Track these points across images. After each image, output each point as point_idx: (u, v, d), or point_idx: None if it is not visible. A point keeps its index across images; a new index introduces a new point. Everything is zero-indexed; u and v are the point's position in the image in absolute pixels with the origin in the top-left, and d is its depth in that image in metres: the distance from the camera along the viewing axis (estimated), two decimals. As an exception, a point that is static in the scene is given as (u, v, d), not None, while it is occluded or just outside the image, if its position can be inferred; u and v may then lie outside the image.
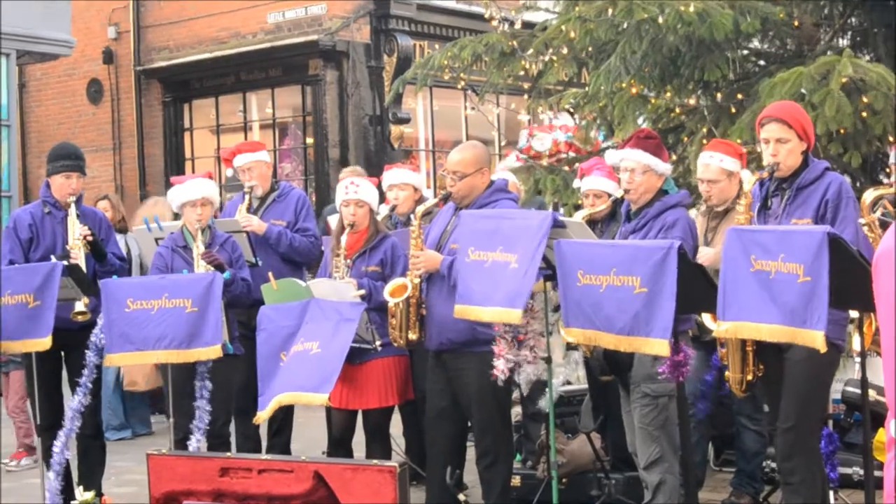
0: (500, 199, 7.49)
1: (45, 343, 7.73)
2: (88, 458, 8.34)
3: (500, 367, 7.06)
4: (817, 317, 5.49)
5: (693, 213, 7.99)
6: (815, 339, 5.51)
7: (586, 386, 8.73)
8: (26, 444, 10.46)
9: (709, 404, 8.06)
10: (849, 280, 5.49)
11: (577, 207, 9.42)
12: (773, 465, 8.25)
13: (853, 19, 10.97)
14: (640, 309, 5.90)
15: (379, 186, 9.22)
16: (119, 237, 10.00)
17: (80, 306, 7.97)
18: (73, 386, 8.22)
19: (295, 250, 8.96)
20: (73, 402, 7.92)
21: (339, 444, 7.97)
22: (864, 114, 8.89)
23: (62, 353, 8.32)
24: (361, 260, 7.89)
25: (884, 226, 6.68)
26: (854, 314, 6.43)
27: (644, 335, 5.92)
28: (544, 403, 7.80)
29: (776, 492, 7.80)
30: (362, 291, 7.62)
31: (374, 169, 17.51)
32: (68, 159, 8.40)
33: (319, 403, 7.33)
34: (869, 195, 6.20)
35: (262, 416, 7.44)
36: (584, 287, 6.14)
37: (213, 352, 7.48)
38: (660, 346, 5.89)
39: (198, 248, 7.97)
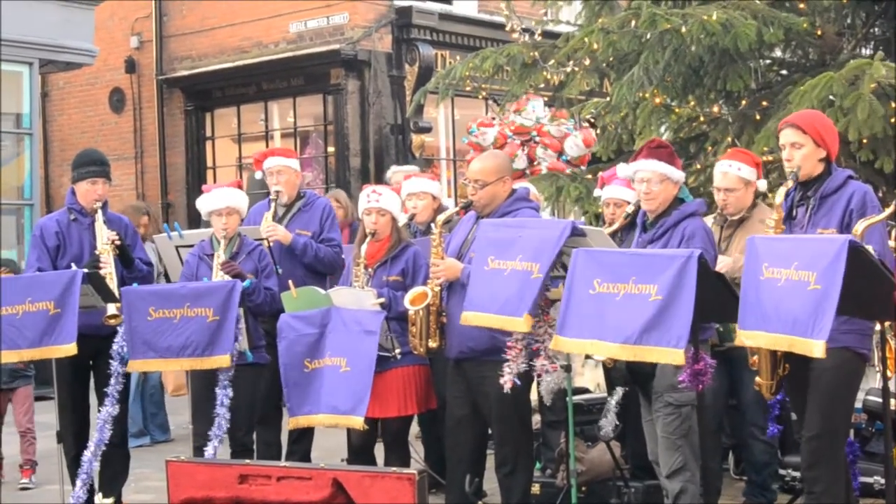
0: (521, 207, 7.48)
1: (69, 349, 7.73)
2: (112, 465, 8.30)
3: (506, 376, 7.04)
4: (820, 326, 5.43)
5: (708, 220, 7.97)
6: (814, 348, 5.46)
7: (605, 394, 8.70)
8: (33, 460, 10.36)
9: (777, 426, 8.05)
10: (872, 290, 5.46)
11: (598, 216, 9.41)
12: (794, 473, 8.23)
13: (876, 28, 10.96)
14: (651, 317, 5.86)
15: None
16: (149, 247, 9.98)
17: (112, 309, 7.97)
18: (100, 394, 8.22)
19: (320, 261, 8.91)
20: (103, 412, 7.91)
21: (360, 453, 7.95)
22: (893, 119, 8.87)
23: (90, 361, 8.33)
24: (383, 269, 7.87)
25: None
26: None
27: (653, 344, 5.87)
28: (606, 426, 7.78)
29: (796, 501, 7.76)
30: (382, 299, 7.61)
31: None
32: (93, 165, 8.43)
33: (356, 426, 7.38)
34: (860, 226, 6.13)
35: (298, 423, 7.50)
36: (597, 295, 6.10)
37: (224, 360, 7.48)
38: (675, 355, 5.86)
39: (218, 257, 7.98)
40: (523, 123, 15.80)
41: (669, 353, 5.83)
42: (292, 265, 8.77)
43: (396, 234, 7.98)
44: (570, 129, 15.50)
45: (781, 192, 6.49)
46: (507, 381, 7.02)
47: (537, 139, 15.66)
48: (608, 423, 7.62)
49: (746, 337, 5.83)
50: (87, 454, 7.88)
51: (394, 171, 11.07)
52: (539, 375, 7.07)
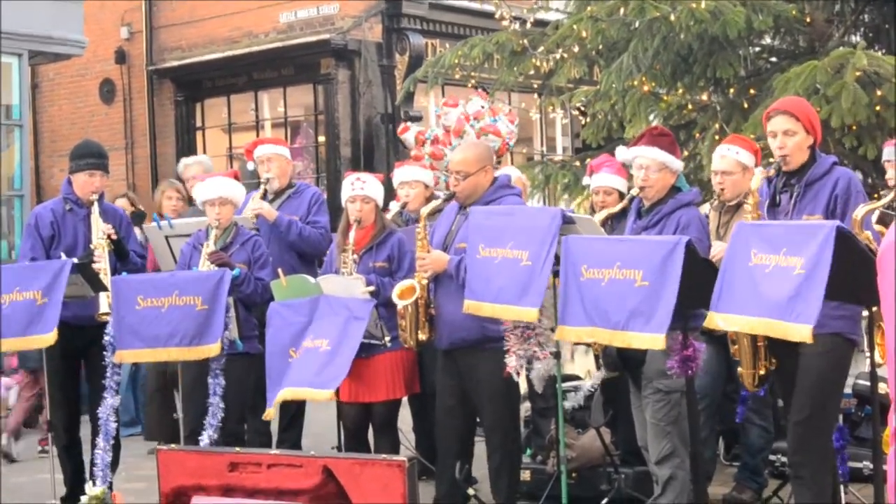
0: (504, 195, 7.49)
1: (48, 339, 7.72)
2: (104, 454, 8.33)
3: (513, 364, 7.06)
4: (806, 311, 5.43)
5: (706, 207, 7.98)
6: (801, 332, 5.45)
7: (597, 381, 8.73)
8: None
9: (746, 410, 8.10)
10: (859, 275, 5.47)
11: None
12: (784, 459, 8.24)
13: (865, 15, 10.98)
14: (637, 303, 5.89)
15: (389, 183, 9.24)
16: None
17: (104, 306, 7.96)
18: (91, 383, 8.22)
19: (304, 240, 8.95)
20: (104, 405, 7.89)
21: (354, 437, 7.99)
22: (878, 107, 8.89)
23: (82, 352, 8.32)
24: (368, 256, 7.88)
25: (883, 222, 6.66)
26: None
27: (638, 330, 5.89)
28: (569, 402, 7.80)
29: (785, 486, 7.78)
30: (372, 288, 7.62)
31: (385, 167, 17.55)
32: (92, 157, 8.40)
33: (324, 399, 7.38)
34: (860, 212, 6.13)
35: (271, 413, 7.49)
36: (586, 281, 6.12)
37: (214, 349, 7.49)
38: (655, 341, 5.86)
39: (206, 246, 7.98)
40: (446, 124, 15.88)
41: (651, 339, 5.84)
42: (280, 251, 8.79)
43: (381, 221, 8.01)
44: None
45: (758, 176, 6.49)
46: (514, 367, 7.04)
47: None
48: (574, 399, 7.61)
49: (723, 320, 5.82)
50: (98, 451, 7.88)
51: (185, 165, 10.89)
52: (529, 362, 7.09)
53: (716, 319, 5.84)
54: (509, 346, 7.06)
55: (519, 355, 7.04)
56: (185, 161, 11.11)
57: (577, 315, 6.20)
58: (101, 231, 8.20)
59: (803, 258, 5.44)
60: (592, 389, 7.81)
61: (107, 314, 7.92)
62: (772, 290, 5.55)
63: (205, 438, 7.56)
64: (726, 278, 5.79)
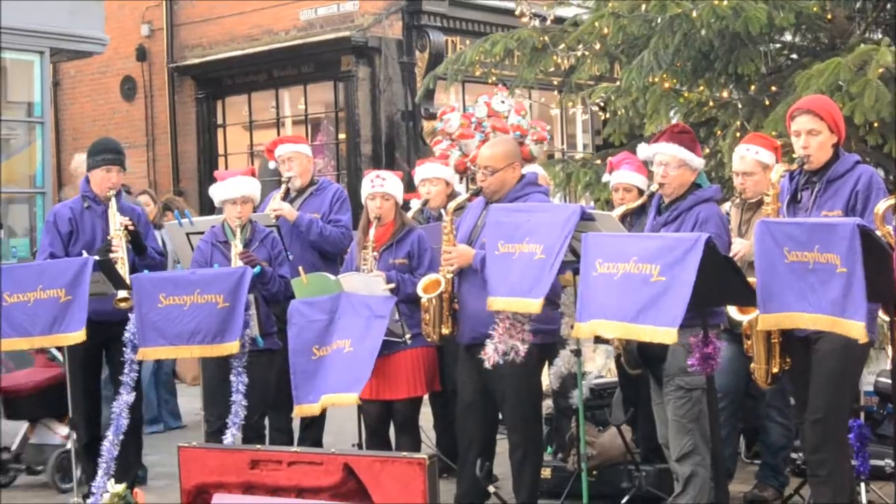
0: (531, 192, 7.50)
1: (77, 337, 7.75)
2: (126, 452, 8.29)
3: (489, 352, 7.05)
4: (855, 307, 5.49)
5: (727, 205, 7.96)
6: (853, 329, 5.52)
7: (617, 378, 8.72)
8: None
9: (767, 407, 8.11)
10: (880, 272, 5.47)
11: (609, 202, 9.41)
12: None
13: (886, 13, 10.92)
14: (651, 297, 5.87)
15: (410, 181, 9.24)
16: (157, 233, 9.99)
17: (122, 292, 7.99)
18: (113, 380, 8.24)
19: (325, 239, 8.95)
20: (119, 401, 7.91)
21: (375, 435, 8.02)
22: (902, 104, 8.87)
23: (103, 349, 8.34)
24: (388, 252, 7.90)
25: None
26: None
27: (650, 323, 5.88)
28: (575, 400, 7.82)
29: (806, 484, 7.76)
30: (392, 285, 7.63)
31: (406, 164, 17.56)
32: (109, 153, 8.46)
33: (350, 403, 7.41)
34: (881, 206, 6.13)
35: (303, 411, 7.51)
36: (598, 276, 6.11)
37: (233, 347, 7.51)
38: (668, 335, 5.83)
39: (236, 246, 7.98)
40: (498, 110, 15.89)
41: (664, 333, 5.82)
42: (302, 249, 8.81)
43: (400, 218, 8.02)
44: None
45: (779, 169, 6.50)
46: (491, 357, 7.03)
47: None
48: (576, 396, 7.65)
49: (779, 320, 5.83)
50: (105, 444, 7.88)
51: (80, 161, 10.64)
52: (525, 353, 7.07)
53: (771, 321, 5.87)
54: (494, 336, 7.06)
55: (499, 347, 7.03)
56: (79, 157, 10.86)
57: (587, 310, 6.20)
58: (118, 223, 8.24)
59: (840, 256, 5.47)
60: (597, 382, 7.79)
61: (124, 300, 7.95)
62: (823, 286, 5.59)
63: (228, 437, 7.57)
64: (765, 279, 5.81)
